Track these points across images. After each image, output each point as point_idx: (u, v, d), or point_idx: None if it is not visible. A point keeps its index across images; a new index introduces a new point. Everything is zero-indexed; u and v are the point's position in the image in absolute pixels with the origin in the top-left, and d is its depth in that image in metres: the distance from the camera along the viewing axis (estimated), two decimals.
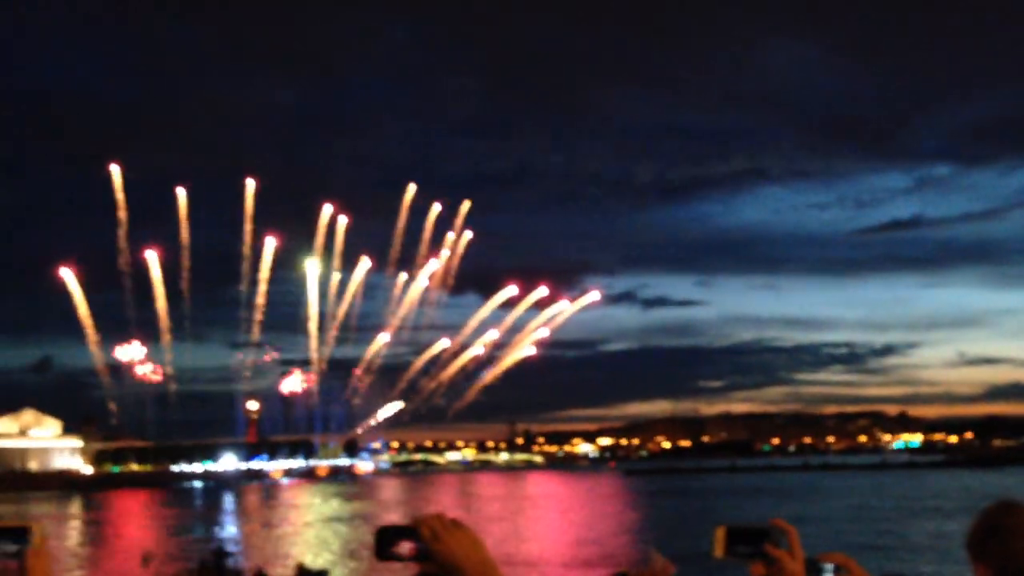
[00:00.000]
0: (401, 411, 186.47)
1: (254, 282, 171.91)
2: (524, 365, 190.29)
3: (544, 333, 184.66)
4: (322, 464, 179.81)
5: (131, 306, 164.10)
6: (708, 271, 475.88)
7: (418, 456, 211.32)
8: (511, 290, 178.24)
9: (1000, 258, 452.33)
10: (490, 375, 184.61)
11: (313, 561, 32.55)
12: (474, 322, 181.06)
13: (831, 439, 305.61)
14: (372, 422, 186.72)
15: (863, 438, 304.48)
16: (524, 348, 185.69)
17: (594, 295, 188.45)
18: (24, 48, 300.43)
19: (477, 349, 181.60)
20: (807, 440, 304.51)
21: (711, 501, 75.23)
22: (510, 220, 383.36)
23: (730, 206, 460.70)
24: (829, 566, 2.38)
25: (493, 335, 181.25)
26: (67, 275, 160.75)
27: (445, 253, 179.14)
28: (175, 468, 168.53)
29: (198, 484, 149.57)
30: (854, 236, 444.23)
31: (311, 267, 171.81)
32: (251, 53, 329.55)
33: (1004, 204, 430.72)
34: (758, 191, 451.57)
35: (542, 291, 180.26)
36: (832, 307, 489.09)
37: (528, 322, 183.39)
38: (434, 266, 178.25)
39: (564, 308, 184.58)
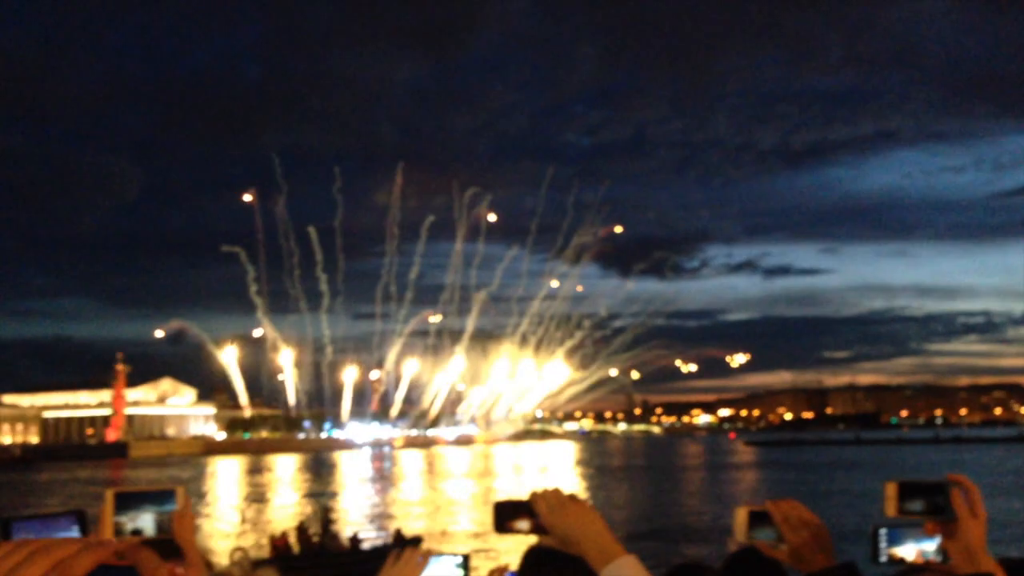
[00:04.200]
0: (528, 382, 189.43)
1: (387, 254, 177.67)
2: (643, 334, 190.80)
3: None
4: (440, 434, 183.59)
5: (264, 279, 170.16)
6: (835, 238, 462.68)
7: (536, 426, 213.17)
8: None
9: None
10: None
11: (412, 528, 33.60)
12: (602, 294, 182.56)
13: (964, 411, 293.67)
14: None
15: (999, 411, 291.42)
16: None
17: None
18: (158, 32, 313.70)
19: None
20: (938, 413, 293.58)
21: (821, 474, 73.69)
22: (628, 189, 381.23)
23: (859, 171, 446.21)
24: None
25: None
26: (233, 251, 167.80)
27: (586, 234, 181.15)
28: (301, 435, 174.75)
29: (322, 451, 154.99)
30: (992, 200, 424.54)
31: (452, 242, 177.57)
32: (371, 29, 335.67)
33: None
34: (888, 154, 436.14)
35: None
36: (967, 274, 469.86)
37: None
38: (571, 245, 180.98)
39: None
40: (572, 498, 2.11)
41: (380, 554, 28.74)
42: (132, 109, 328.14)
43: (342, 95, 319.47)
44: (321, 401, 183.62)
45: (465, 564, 3.15)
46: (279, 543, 26.51)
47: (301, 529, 27.63)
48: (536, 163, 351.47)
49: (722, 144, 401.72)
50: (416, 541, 30.92)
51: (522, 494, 2.12)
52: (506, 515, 2.13)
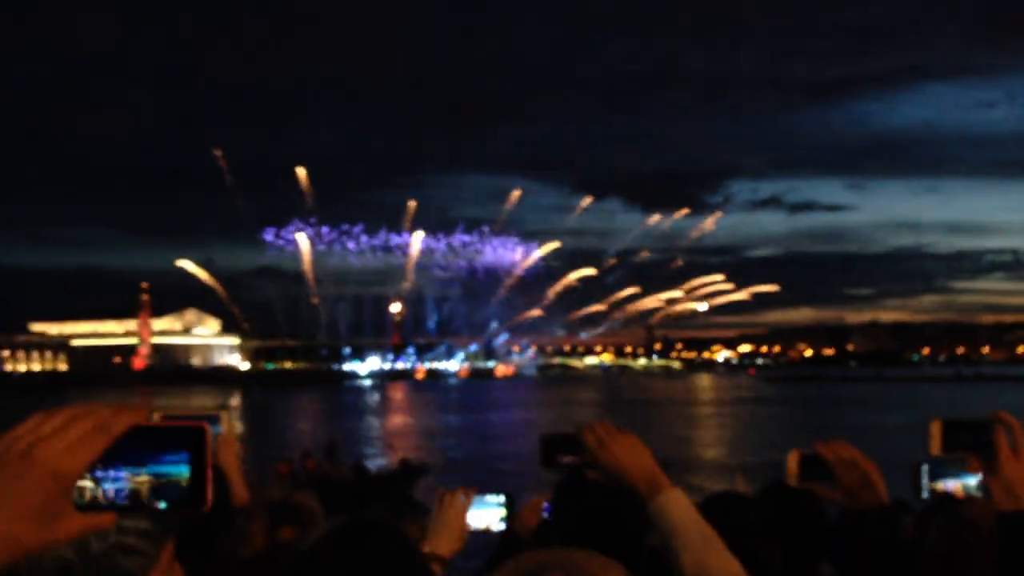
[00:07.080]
0: (540, 316, 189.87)
1: (410, 186, 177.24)
2: (667, 271, 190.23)
3: None
4: (462, 366, 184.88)
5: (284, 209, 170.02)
6: (862, 174, 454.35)
7: (556, 360, 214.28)
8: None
9: None
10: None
11: (418, 457, 33.88)
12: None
13: (986, 350, 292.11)
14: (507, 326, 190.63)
15: (1021, 349, 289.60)
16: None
17: None
18: None
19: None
20: (960, 351, 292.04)
21: (844, 411, 73.68)
22: (651, 122, 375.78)
23: (888, 105, 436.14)
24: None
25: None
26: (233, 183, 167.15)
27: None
28: (323, 367, 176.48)
29: (345, 382, 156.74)
30: None
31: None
32: None
33: None
34: (919, 89, 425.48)
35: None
36: (998, 212, 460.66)
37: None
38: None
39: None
40: (621, 432, 2.08)
41: (385, 481, 29.02)
42: (153, 37, 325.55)
43: (358, 23, 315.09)
44: (359, 332, 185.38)
45: (509, 503, 3.04)
46: (283, 470, 26.77)
47: (306, 456, 27.87)
48: (559, 94, 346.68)
49: (749, 77, 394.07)
50: (423, 469, 31.11)
51: (569, 428, 2.07)
52: (553, 449, 2.10)
